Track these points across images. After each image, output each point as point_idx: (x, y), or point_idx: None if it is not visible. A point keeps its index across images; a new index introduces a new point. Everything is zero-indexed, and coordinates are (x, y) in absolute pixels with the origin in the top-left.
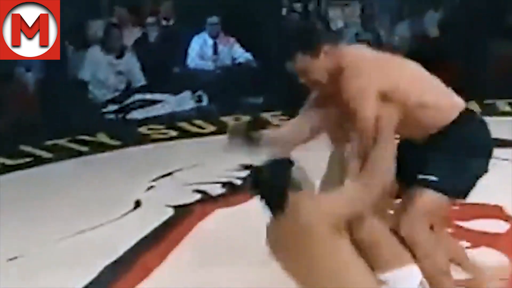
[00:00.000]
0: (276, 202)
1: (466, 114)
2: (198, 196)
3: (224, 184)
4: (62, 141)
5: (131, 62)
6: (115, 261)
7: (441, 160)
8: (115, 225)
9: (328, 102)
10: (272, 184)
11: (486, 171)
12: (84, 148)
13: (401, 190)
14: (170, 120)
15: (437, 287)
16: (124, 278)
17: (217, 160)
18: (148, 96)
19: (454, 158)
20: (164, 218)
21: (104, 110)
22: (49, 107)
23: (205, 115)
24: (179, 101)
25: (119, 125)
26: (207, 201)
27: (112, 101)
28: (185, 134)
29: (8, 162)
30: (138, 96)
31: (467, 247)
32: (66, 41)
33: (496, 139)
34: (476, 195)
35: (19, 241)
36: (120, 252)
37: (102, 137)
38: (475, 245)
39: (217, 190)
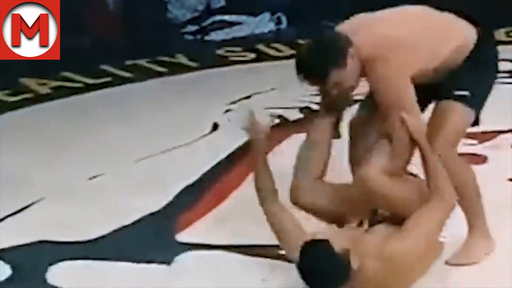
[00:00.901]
0: None
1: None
2: (276, 120)
3: (301, 109)
4: (141, 61)
5: None
6: (193, 184)
7: (470, 77)
8: (193, 147)
9: None
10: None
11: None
12: (163, 69)
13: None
14: (248, 42)
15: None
16: (202, 200)
17: (295, 84)
18: (227, 17)
19: (481, 73)
20: (242, 141)
21: (183, 30)
22: (128, 26)
23: (284, 38)
24: (258, 23)
25: (198, 46)
26: (285, 125)
27: (191, 21)
28: (263, 57)
29: (89, 81)
30: (217, 17)
31: None
32: None
33: None
34: None
35: (100, 161)
36: (198, 174)
37: (181, 58)
38: None
39: (294, 114)
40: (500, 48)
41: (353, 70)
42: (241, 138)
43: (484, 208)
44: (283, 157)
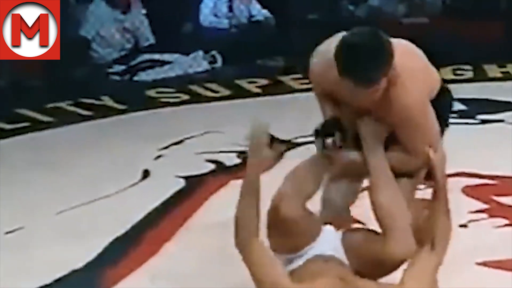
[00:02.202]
0: None
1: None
2: (211, 166)
3: (239, 154)
4: (63, 104)
5: (138, 19)
6: (121, 236)
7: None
8: (121, 197)
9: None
10: None
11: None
12: (87, 112)
13: None
14: (181, 83)
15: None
16: (131, 254)
17: (232, 127)
18: (157, 56)
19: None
20: (174, 189)
21: (109, 70)
22: (48, 67)
23: (219, 78)
24: (191, 62)
25: (125, 87)
26: (221, 171)
27: (118, 61)
28: (197, 98)
29: (5, 126)
30: (146, 56)
31: (505, 225)
32: None
33: None
34: None
35: (18, 213)
36: (127, 226)
37: (107, 100)
38: None
39: (232, 160)
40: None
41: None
42: (174, 186)
43: None
44: (222, 207)
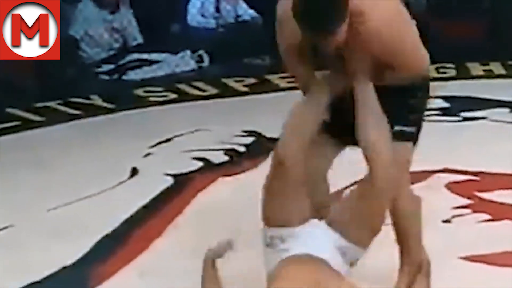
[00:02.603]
0: None
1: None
2: (199, 164)
3: (226, 151)
4: (52, 104)
5: (126, 18)
6: (110, 234)
7: (417, 110)
8: (110, 195)
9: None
10: None
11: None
12: (76, 111)
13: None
14: (168, 82)
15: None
16: (119, 251)
17: (220, 125)
18: (145, 55)
19: (421, 112)
20: (163, 187)
21: (98, 70)
22: (37, 66)
23: (207, 77)
24: (179, 62)
25: (114, 87)
26: (209, 169)
27: (106, 60)
28: (185, 97)
29: None
30: (134, 56)
31: (488, 220)
32: None
33: None
34: (499, 165)
35: (8, 211)
36: (116, 224)
37: (96, 99)
38: (496, 218)
39: (219, 157)
40: (431, 84)
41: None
42: (163, 184)
43: None
44: (210, 204)
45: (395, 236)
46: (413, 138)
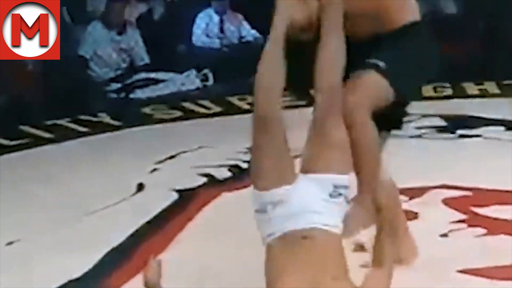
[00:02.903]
0: None
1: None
2: (203, 179)
3: (230, 167)
4: (62, 121)
5: (134, 39)
6: (117, 248)
7: (394, 54)
8: (117, 209)
9: None
10: None
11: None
12: (85, 129)
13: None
14: (174, 100)
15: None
16: (125, 265)
17: (224, 142)
18: (152, 75)
19: (407, 59)
20: (168, 202)
21: (106, 89)
22: (48, 85)
23: (211, 95)
24: (184, 81)
25: (121, 105)
26: (213, 185)
27: (114, 79)
28: (190, 115)
29: (7, 142)
30: (141, 75)
31: (483, 234)
32: (67, 16)
33: None
34: (494, 181)
35: (18, 225)
36: (121, 238)
37: (104, 117)
38: (492, 232)
39: (223, 173)
40: (428, 103)
41: None
42: (168, 199)
43: (414, 266)
44: (213, 219)
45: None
46: (381, 71)
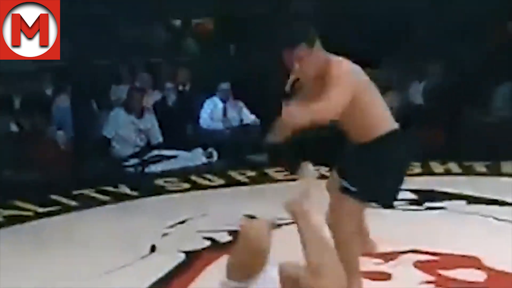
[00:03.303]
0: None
1: (393, 134)
2: (207, 242)
3: (230, 232)
4: (87, 191)
5: (150, 122)
6: None
7: (363, 173)
8: (132, 268)
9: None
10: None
11: (401, 183)
12: (107, 198)
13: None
14: (183, 174)
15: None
16: None
17: (225, 210)
18: (165, 152)
19: (375, 172)
20: (176, 262)
21: (125, 163)
22: (76, 160)
23: (215, 170)
24: (192, 157)
25: (138, 178)
26: (215, 247)
27: (133, 156)
28: (196, 186)
29: (40, 209)
30: (155, 152)
31: None
32: (94, 104)
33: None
34: (457, 247)
35: (44, 283)
36: None
37: (123, 188)
38: None
39: (224, 237)
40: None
41: (314, 60)
42: (176, 260)
43: None
44: (216, 277)
45: None
46: (357, 197)
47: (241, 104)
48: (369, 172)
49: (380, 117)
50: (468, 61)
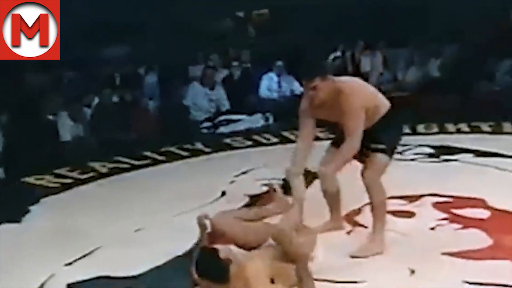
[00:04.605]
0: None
1: (391, 109)
2: (265, 188)
3: (282, 180)
4: (171, 148)
5: (220, 93)
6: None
7: (384, 135)
8: (209, 208)
9: (320, 110)
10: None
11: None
12: (186, 153)
13: (362, 156)
14: (246, 134)
15: (380, 213)
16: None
17: (279, 162)
18: (231, 116)
19: (390, 132)
20: (242, 203)
21: (201, 126)
22: (163, 124)
23: (271, 131)
24: (253, 120)
25: (211, 137)
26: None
27: (206, 120)
28: (256, 144)
29: (134, 162)
30: (224, 117)
31: (461, 228)
32: (175, 81)
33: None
34: (467, 191)
35: (142, 217)
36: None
37: (199, 146)
38: (466, 227)
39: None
40: (421, 137)
41: (326, 86)
42: (242, 202)
43: (411, 248)
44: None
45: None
46: (384, 151)
47: (292, 78)
48: (388, 133)
49: (381, 103)
50: (477, 41)
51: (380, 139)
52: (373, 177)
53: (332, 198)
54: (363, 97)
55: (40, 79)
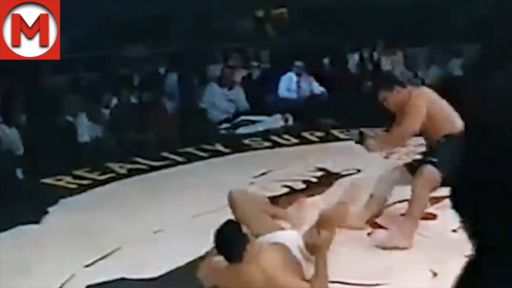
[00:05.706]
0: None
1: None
2: (285, 189)
3: (304, 181)
4: (190, 149)
5: (239, 93)
6: None
7: (440, 152)
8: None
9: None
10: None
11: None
12: (205, 154)
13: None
14: (265, 135)
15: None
16: None
17: (299, 163)
18: (250, 117)
19: (447, 156)
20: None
21: (219, 127)
22: (181, 125)
23: (290, 131)
24: (272, 121)
25: (229, 138)
26: (292, 193)
27: (225, 120)
28: (275, 145)
29: (153, 163)
30: (243, 117)
31: None
32: (195, 80)
33: None
34: None
35: (162, 218)
36: None
37: (218, 146)
38: None
39: (299, 185)
40: None
41: (397, 98)
42: None
43: (433, 250)
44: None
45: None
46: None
47: (311, 78)
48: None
49: (450, 120)
50: (496, 42)
51: (435, 153)
52: (420, 187)
53: (375, 202)
54: (428, 100)
55: (58, 80)
